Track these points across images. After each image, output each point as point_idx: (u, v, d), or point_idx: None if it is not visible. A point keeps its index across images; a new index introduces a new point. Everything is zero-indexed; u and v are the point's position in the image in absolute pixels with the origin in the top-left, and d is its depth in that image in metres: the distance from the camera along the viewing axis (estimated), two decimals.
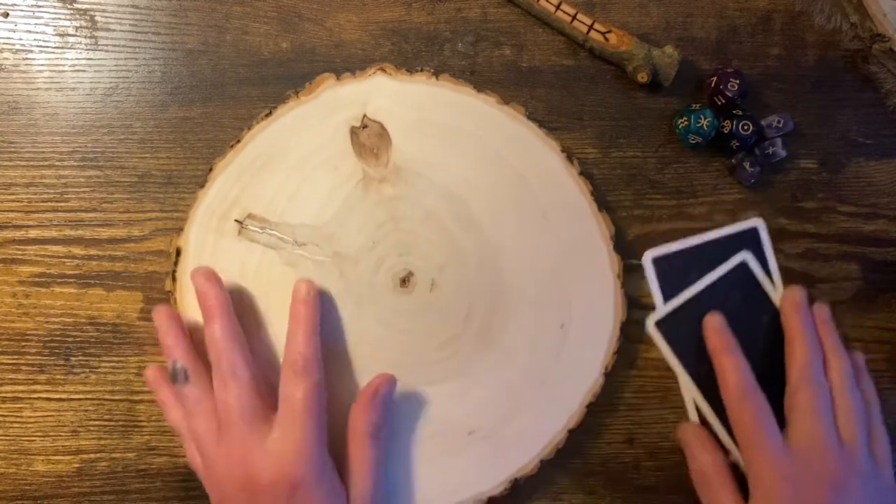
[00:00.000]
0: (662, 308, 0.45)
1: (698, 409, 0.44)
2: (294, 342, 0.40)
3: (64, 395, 0.45)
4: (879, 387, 0.46)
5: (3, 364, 0.44)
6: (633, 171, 0.47)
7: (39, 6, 0.45)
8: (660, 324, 0.44)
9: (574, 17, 0.45)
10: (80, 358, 0.45)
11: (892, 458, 0.41)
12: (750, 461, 0.40)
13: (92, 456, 0.45)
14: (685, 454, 0.43)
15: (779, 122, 0.46)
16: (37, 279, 0.45)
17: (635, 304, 0.46)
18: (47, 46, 0.45)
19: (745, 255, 0.45)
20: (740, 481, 0.41)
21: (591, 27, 0.45)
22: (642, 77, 0.45)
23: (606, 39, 0.45)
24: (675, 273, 0.45)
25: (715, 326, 0.43)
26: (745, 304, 0.45)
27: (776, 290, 0.45)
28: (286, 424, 0.38)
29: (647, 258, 0.45)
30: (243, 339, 0.40)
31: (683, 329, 0.44)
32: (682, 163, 0.47)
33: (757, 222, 0.46)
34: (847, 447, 0.40)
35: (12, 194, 0.45)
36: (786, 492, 0.39)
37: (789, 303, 0.44)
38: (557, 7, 0.45)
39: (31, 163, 0.45)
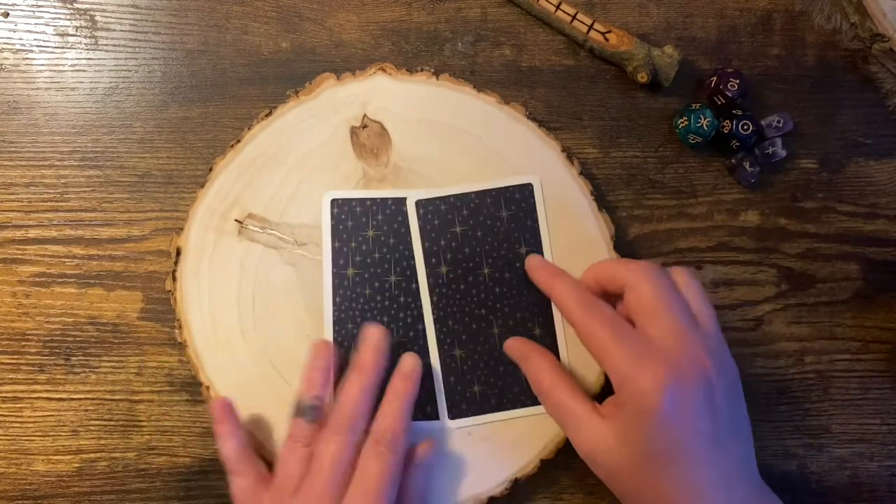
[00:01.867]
0: (432, 191, 0.43)
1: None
2: (386, 413, 0.39)
3: (64, 395, 0.45)
4: (879, 387, 0.46)
5: (3, 364, 0.44)
6: (633, 171, 0.47)
7: (39, 6, 0.45)
8: (420, 203, 0.43)
9: (574, 17, 0.45)
10: (81, 358, 0.45)
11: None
12: (612, 367, 0.36)
13: (92, 456, 0.45)
14: (521, 366, 0.41)
15: (779, 122, 0.46)
16: (37, 279, 0.45)
17: None
18: (47, 46, 0.45)
19: (533, 179, 0.44)
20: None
21: (591, 27, 0.45)
22: (642, 77, 0.45)
23: (606, 39, 0.45)
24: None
25: (537, 263, 0.42)
26: (512, 223, 0.43)
27: (544, 239, 0.44)
28: (357, 499, 0.37)
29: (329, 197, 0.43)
30: (374, 402, 0.40)
31: (437, 221, 0.43)
32: (682, 163, 0.47)
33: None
34: (707, 336, 0.37)
35: (12, 194, 0.45)
36: (658, 381, 0.35)
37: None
38: (557, 7, 0.45)
39: (32, 163, 0.45)
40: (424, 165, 0.44)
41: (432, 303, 0.43)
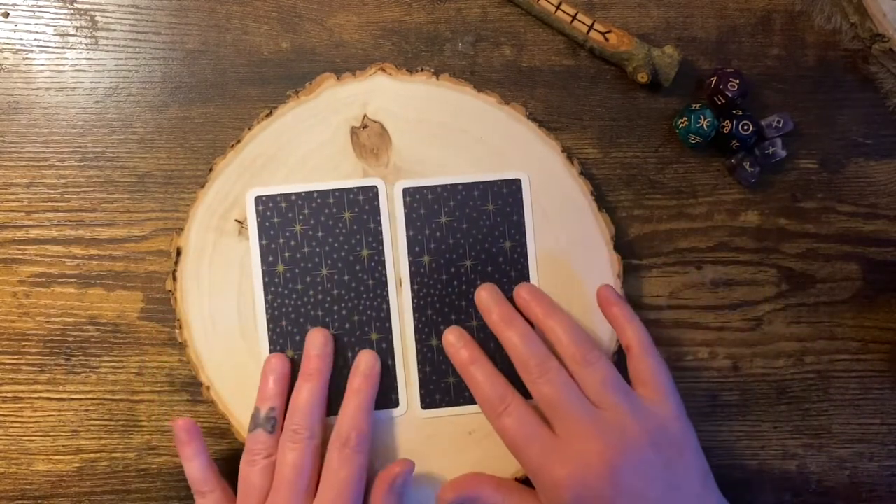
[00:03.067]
0: (419, 180, 0.43)
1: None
2: (347, 414, 0.40)
3: (64, 395, 0.45)
4: (879, 387, 0.46)
5: (3, 364, 0.44)
6: (633, 171, 0.47)
7: (40, 6, 0.45)
8: (407, 190, 0.43)
9: (574, 17, 0.45)
10: (81, 358, 0.45)
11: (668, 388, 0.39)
12: (525, 462, 0.38)
13: (92, 456, 0.45)
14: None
15: (779, 122, 0.46)
16: (37, 279, 0.45)
17: (635, 304, 0.46)
18: (48, 46, 0.45)
19: (522, 176, 0.44)
20: None
21: (591, 27, 0.45)
22: (642, 77, 0.45)
23: (606, 39, 0.45)
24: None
25: (452, 344, 0.42)
26: (498, 217, 0.44)
27: (529, 236, 0.44)
28: (329, 503, 0.38)
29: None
30: (325, 406, 0.41)
31: (423, 210, 0.43)
32: (682, 163, 0.47)
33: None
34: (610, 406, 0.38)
35: (12, 194, 0.45)
36: (561, 481, 0.37)
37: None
38: (557, 7, 0.45)
39: (32, 163, 0.45)
40: (424, 165, 0.44)
41: (412, 291, 0.43)
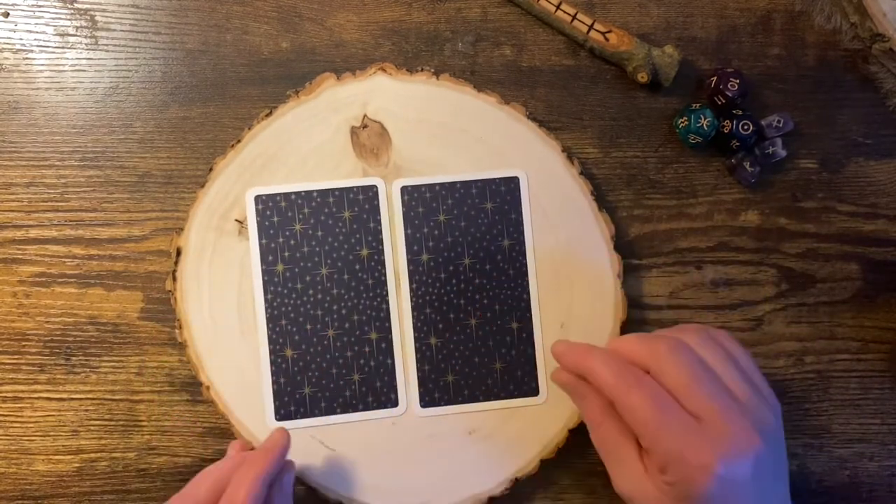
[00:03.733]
0: (417, 178, 0.43)
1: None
2: (239, 484, 0.36)
3: (64, 395, 0.45)
4: (879, 387, 0.46)
5: (3, 364, 0.44)
6: (633, 171, 0.47)
7: (40, 6, 0.45)
8: (406, 189, 0.43)
9: (574, 17, 0.45)
10: (81, 358, 0.45)
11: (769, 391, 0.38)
12: (656, 445, 0.35)
13: (92, 455, 0.45)
14: (570, 397, 0.39)
15: (779, 122, 0.46)
16: (37, 279, 0.45)
17: (635, 304, 0.46)
18: (48, 46, 0.45)
19: (520, 173, 0.43)
20: None
21: (591, 27, 0.45)
22: (642, 77, 0.45)
23: (606, 39, 0.45)
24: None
25: (563, 349, 0.38)
26: (496, 216, 0.43)
27: (528, 234, 0.44)
28: None
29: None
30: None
31: (421, 209, 0.43)
32: (682, 163, 0.47)
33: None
34: (750, 409, 0.35)
35: (12, 194, 0.45)
36: (706, 465, 0.34)
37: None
38: (557, 7, 0.45)
39: (32, 163, 0.45)
40: (424, 165, 0.44)
41: (411, 290, 0.43)
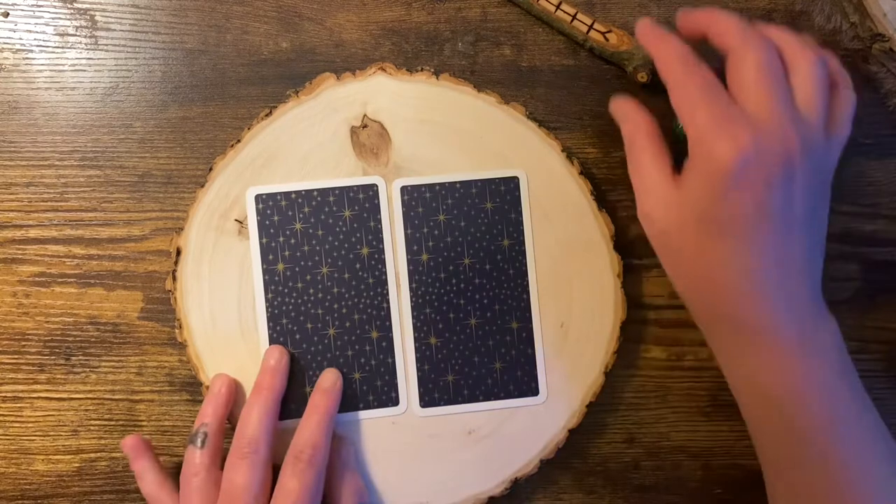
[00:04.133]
0: (417, 178, 0.43)
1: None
2: (304, 429, 0.40)
3: (64, 395, 0.45)
4: (879, 387, 0.46)
5: (3, 364, 0.44)
6: None
7: (40, 6, 0.45)
8: (405, 189, 0.43)
9: (574, 17, 0.45)
10: (81, 357, 0.45)
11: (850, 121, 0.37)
12: (693, 127, 0.34)
13: (92, 455, 0.45)
14: (620, 124, 0.39)
15: None
16: (37, 279, 0.45)
17: (635, 304, 0.46)
18: (47, 46, 0.45)
19: (520, 173, 0.44)
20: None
21: (591, 27, 0.45)
22: (642, 77, 0.45)
23: (606, 39, 0.45)
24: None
25: (647, 28, 0.38)
26: (496, 215, 0.43)
27: (527, 234, 0.44)
28: None
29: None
30: (275, 420, 0.40)
31: (421, 208, 0.43)
32: (682, 163, 0.47)
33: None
34: (804, 120, 0.34)
35: (12, 194, 0.45)
36: (735, 146, 0.32)
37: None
38: (557, 7, 0.45)
39: (31, 162, 0.45)
40: (424, 165, 0.44)
41: (411, 290, 0.43)
